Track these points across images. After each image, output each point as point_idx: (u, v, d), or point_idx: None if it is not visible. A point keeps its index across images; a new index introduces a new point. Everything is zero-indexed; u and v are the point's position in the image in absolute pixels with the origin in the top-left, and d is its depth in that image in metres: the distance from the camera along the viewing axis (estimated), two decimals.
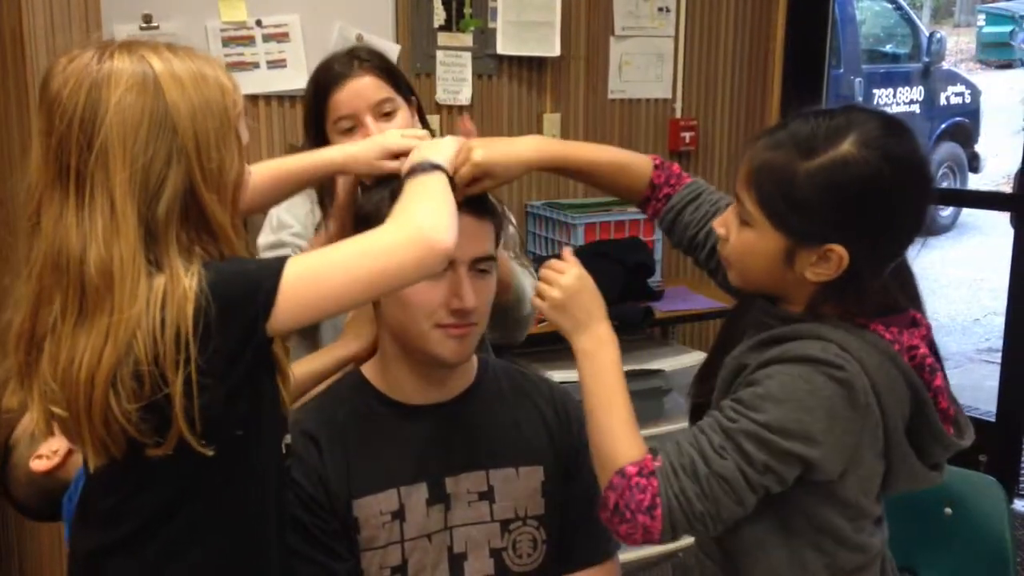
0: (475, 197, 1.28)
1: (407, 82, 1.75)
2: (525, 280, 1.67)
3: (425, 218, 1.06)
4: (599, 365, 1.19)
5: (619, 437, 1.15)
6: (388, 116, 1.66)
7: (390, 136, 1.32)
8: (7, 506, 2.53)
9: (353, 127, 1.65)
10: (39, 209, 1.01)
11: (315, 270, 1.03)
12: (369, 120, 1.65)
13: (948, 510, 1.68)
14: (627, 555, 1.53)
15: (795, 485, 1.15)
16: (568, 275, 1.23)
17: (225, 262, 1.03)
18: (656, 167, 1.41)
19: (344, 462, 1.28)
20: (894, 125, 1.14)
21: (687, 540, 1.31)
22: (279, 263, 1.02)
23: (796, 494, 1.16)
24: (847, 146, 1.10)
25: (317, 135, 1.69)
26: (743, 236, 1.18)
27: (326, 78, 1.70)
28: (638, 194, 1.42)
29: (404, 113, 1.69)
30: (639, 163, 1.41)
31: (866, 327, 1.16)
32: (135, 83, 0.99)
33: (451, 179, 1.17)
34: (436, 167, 1.16)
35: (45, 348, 1.00)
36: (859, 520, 1.20)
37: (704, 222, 1.38)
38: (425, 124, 1.76)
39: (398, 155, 1.27)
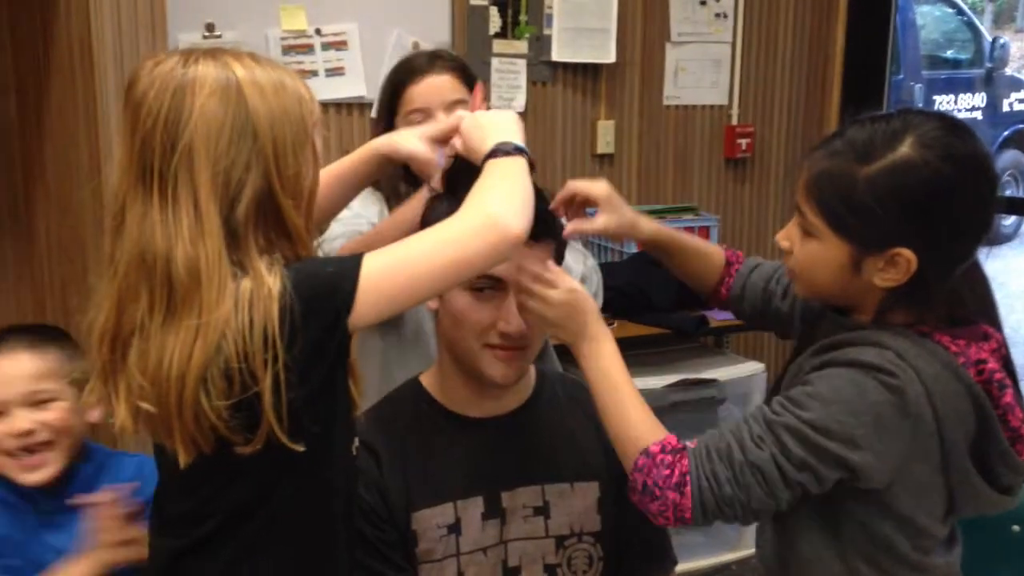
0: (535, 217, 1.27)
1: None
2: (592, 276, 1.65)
3: (497, 204, 1.06)
4: (601, 363, 1.20)
5: (636, 422, 1.17)
6: None
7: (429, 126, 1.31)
8: None
9: (423, 121, 1.63)
10: (123, 208, 1.03)
11: (392, 263, 1.04)
12: (441, 116, 1.62)
13: (1016, 527, 1.64)
14: (680, 567, 1.52)
15: (846, 494, 1.14)
16: (558, 290, 1.21)
17: (305, 262, 1.05)
18: (727, 249, 1.46)
19: (403, 474, 1.28)
20: (952, 124, 1.13)
21: (739, 552, 1.30)
22: (356, 260, 1.04)
23: (849, 504, 1.15)
24: (906, 148, 1.09)
25: (387, 128, 1.69)
26: (808, 247, 1.17)
27: (405, 70, 1.71)
28: (711, 276, 1.45)
29: None
30: (714, 249, 1.47)
31: (930, 336, 1.14)
32: (219, 88, 1.01)
33: (532, 164, 1.16)
34: (519, 150, 1.15)
35: (133, 344, 1.02)
36: (920, 539, 1.17)
37: (772, 272, 1.41)
38: None
39: (440, 141, 1.27)
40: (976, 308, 1.19)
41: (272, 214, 1.04)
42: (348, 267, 1.03)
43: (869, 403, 1.09)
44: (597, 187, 1.32)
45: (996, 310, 1.22)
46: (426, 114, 1.65)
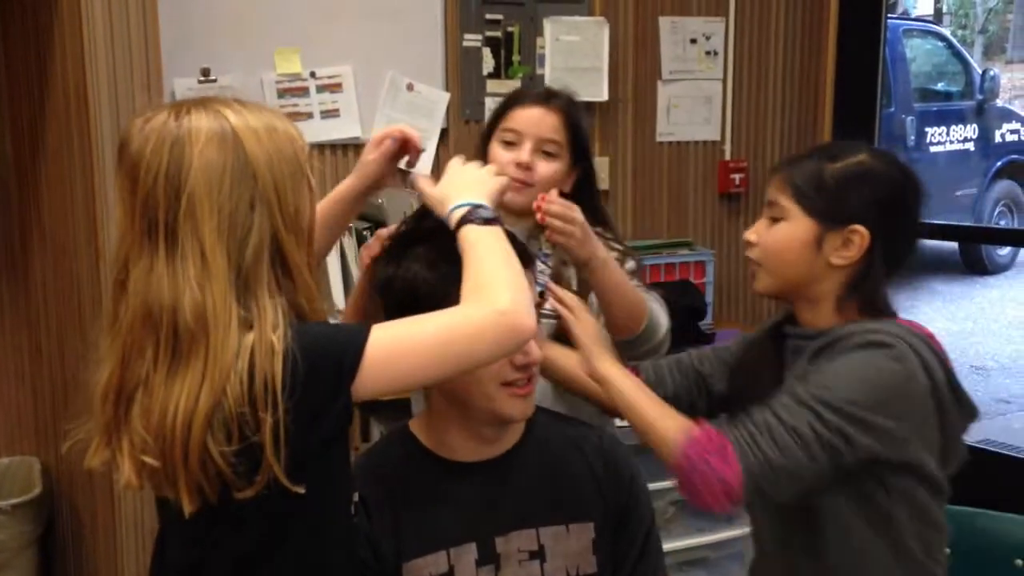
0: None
1: (587, 148, 1.75)
2: (654, 305, 1.63)
3: (506, 299, 1.06)
4: (617, 385, 1.37)
5: (665, 418, 1.30)
6: (547, 156, 1.68)
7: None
8: (64, 510, 2.57)
9: (512, 143, 1.68)
10: (126, 266, 1.04)
11: (398, 345, 1.05)
12: (528, 147, 1.66)
13: (1019, 561, 1.64)
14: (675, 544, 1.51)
15: (885, 472, 1.27)
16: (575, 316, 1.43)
17: (313, 325, 1.07)
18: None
19: (392, 523, 1.27)
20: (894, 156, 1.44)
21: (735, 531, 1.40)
22: (364, 332, 1.04)
23: (890, 479, 1.28)
24: (863, 155, 1.37)
25: (483, 144, 1.74)
26: (775, 230, 1.36)
27: (520, 95, 1.76)
28: None
29: (560, 166, 1.69)
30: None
31: (894, 319, 1.34)
32: (215, 136, 1.03)
33: (505, 230, 1.17)
34: (491, 220, 1.15)
35: (136, 399, 1.03)
36: (943, 499, 1.34)
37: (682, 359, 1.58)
38: (591, 195, 1.72)
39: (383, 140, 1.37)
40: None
41: (278, 255, 1.05)
42: (356, 337, 1.04)
43: (885, 376, 1.25)
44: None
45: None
46: (518, 137, 1.68)
